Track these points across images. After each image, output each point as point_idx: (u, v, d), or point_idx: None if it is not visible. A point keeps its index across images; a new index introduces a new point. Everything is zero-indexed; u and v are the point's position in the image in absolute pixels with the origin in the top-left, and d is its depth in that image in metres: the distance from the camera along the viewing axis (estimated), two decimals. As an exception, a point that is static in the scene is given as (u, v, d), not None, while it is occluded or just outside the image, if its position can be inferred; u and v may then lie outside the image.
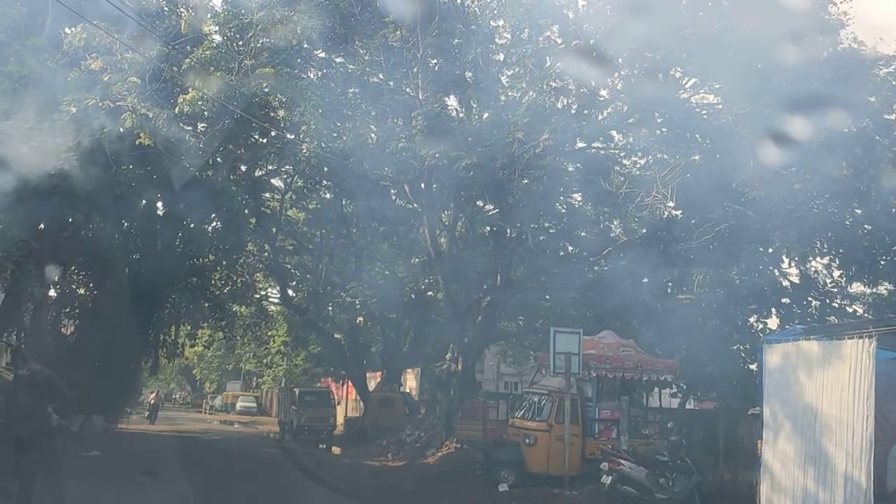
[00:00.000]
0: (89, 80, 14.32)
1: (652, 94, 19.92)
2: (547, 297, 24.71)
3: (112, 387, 23.85)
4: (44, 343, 23.01)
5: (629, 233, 23.35)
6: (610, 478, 13.79)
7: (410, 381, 38.32)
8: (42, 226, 18.34)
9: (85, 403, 22.92)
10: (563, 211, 20.99)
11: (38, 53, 14.51)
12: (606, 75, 21.73)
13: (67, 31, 15.76)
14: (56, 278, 23.12)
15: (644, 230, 21.99)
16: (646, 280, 21.52)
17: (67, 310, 25.73)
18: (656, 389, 19.14)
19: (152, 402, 36.93)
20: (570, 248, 23.58)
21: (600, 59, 20.52)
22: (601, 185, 20.29)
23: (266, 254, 31.33)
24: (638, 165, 22.89)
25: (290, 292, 32.01)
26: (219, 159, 19.38)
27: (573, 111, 21.71)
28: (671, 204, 17.14)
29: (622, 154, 23.44)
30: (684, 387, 22.28)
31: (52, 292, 23.46)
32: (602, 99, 22.36)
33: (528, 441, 16.01)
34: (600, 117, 22.37)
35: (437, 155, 15.27)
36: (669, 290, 21.98)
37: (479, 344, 22.74)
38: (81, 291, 26.72)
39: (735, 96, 17.29)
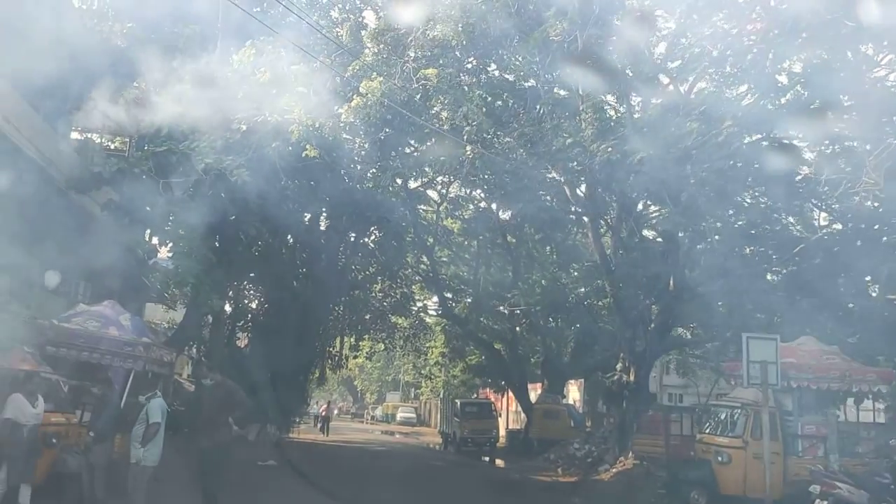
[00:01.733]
0: (259, 94, 14.59)
1: (838, 75, 17.96)
2: (720, 302, 22.84)
3: (284, 397, 24.52)
4: (221, 355, 24.04)
5: (810, 229, 21.22)
6: (824, 503, 12.08)
7: (573, 393, 37.05)
8: (217, 242, 19.08)
9: (259, 413, 23.75)
10: (748, 205, 19.16)
11: (211, 71, 14.98)
12: (784, 57, 19.94)
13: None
14: (231, 293, 24.22)
15: (838, 225, 19.84)
16: (842, 279, 19.29)
17: (241, 323, 26.83)
18: (849, 402, 16.90)
19: (324, 413, 37.38)
20: (749, 248, 21.59)
21: (776, 41, 18.78)
22: (784, 178, 18.60)
23: (423, 265, 31.43)
24: (825, 154, 20.70)
25: (450, 303, 31.79)
26: (378, 170, 19.37)
27: (750, 99, 20.03)
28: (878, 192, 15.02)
29: (806, 143, 21.24)
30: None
31: (227, 307, 24.51)
32: (781, 84, 20.50)
33: (720, 459, 14.48)
34: (778, 104, 20.52)
35: (609, 149, 14.24)
36: (870, 290, 19.55)
37: (653, 353, 21.25)
38: (253, 305, 27.87)
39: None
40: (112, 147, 22.91)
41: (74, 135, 20.21)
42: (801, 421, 14.68)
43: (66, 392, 11.24)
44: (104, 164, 16.82)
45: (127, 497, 9.51)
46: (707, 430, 15.51)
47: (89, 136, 20.86)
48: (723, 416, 15.31)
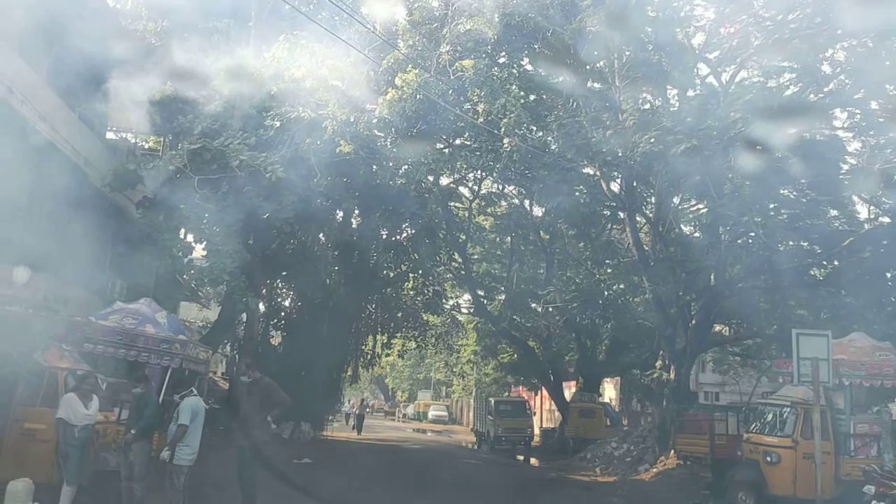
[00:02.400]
0: (293, 89, 14.45)
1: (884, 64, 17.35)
2: (762, 298, 22.26)
3: (317, 395, 24.43)
4: (255, 353, 24.03)
5: (854, 223, 20.57)
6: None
7: (609, 391, 36.54)
8: (251, 240, 19.01)
9: (294, 412, 23.69)
10: (793, 198, 18.58)
11: (244, 67, 14.89)
12: (827, 46, 19.33)
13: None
14: (264, 291, 24.19)
15: (886, 218, 19.20)
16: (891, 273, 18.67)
17: (275, 321, 26.81)
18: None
19: (356, 411, 37.12)
20: (793, 242, 20.99)
21: (818, 31, 18.20)
22: (826, 170, 18.02)
23: (455, 262, 31.17)
24: (869, 146, 20.05)
25: (483, 300, 31.49)
26: (411, 166, 19.15)
27: (793, 89, 19.47)
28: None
29: (850, 134, 20.59)
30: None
31: (261, 305, 24.48)
32: (824, 74, 19.88)
33: (769, 459, 14.01)
34: (821, 94, 19.91)
35: (651, 140, 13.84)
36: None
37: (694, 350, 20.73)
38: (286, 303, 27.84)
39: None
40: (147, 146, 23.03)
41: (110, 134, 20.31)
42: (853, 419, 14.15)
43: (104, 389, 11.18)
44: (139, 162, 16.84)
45: (165, 495, 9.40)
46: (755, 430, 15.03)
47: (124, 134, 20.97)
48: (771, 415, 14.81)
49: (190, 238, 17.81)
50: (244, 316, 22.66)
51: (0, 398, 9.85)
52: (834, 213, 20.91)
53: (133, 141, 21.06)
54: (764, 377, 22.84)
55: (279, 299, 27.75)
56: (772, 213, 19.37)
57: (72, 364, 10.61)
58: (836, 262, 20.13)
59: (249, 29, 16.61)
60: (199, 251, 19.52)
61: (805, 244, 20.07)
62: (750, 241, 19.62)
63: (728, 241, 19.96)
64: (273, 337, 27.55)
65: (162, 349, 12.57)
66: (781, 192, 18.30)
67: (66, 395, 9.42)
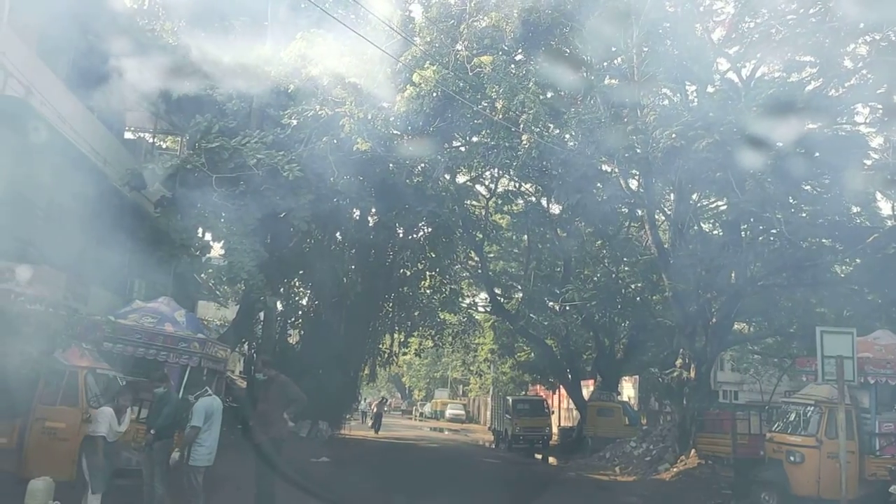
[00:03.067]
0: (310, 88, 14.42)
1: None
2: (784, 295, 21.99)
3: (335, 394, 24.44)
4: (273, 352, 24.04)
5: (876, 219, 20.25)
6: (907, 505, 11.39)
7: (627, 390, 36.30)
8: (269, 239, 19.02)
9: (311, 410, 23.69)
10: (815, 193, 18.32)
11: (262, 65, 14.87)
12: (849, 41, 19.04)
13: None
14: (282, 289, 24.20)
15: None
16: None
17: (292, 320, 26.84)
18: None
19: (375, 409, 36.69)
20: (815, 239, 20.70)
21: (840, 25, 17.92)
22: (852, 166, 17.74)
23: (472, 261, 31.07)
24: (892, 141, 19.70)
25: (500, 299, 31.39)
26: (428, 164, 19.07)
27: (814, 83, 19.20)
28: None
29: (873, 130, 20.28)
30: None
31: (278, 303, 24.50)
32: (846, 69, 19.57)
33: (792, 459, 13.81)
34: (843, 89, 19.62)
35: (673, 136, 13.67)
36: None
37: (714, 348, 20.50)
38: (304, 302, 27.87)
39: None
40: (164, 145, 23.13)
41: (127, 133, 20.41)
42: (878, 418, 13.92)
43: (124, 388, 11.19)
44: (157, 161, 16.89)
45: (184, 495, 9.38)
46: (778, 429, 14.82)
47: (142, 134, 21.06)
48: (795, 414, 14.60)
49: (208, 237, 17.83)
50: (262, 315, 22.69)
51: (21, 397, 9.88)
52: (856, 209, 20.63)
53: (151, 140, 21.14)
54: (785, 376, 22.55)
55: (297, 298, 27.77)
56: (793, 210, 19.16)
57: (92, 363, 10.64)
58: (858, 260, 19.85)
59: (266, 27, 16.60)
60: (217, 250, 19.57)
61: (827, 241, 19.80)
62: (772, 237, 19.39)
63: (749, 238, 19.76)
64: (291, 336, 27.60)
65: (181, 348, 12.61)
66: (804, 187, 18.03)
67: (103, 410, 9.40)
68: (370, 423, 34.39)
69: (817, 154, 18.54)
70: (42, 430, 9.89)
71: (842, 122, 20.25)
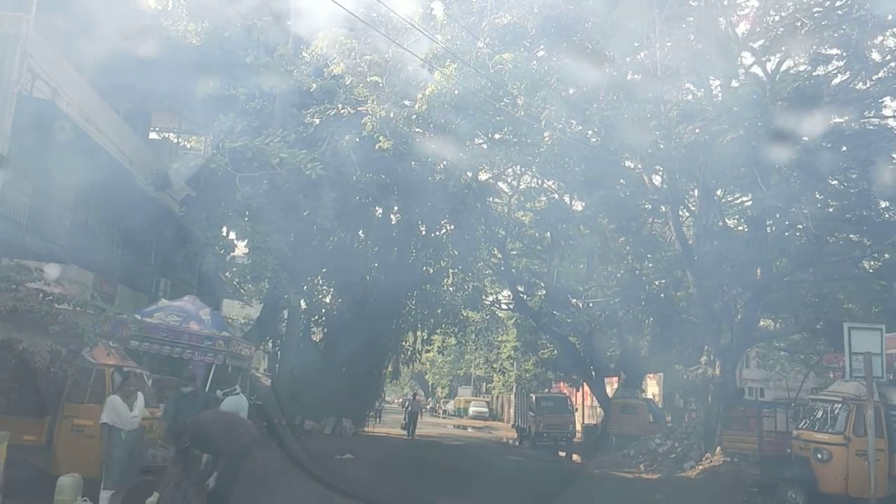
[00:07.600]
0: (332, 86, 14.48)
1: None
2: (810, 291, 21.68)
3: (358, 391, 24.53)
4: (297, 350, 24.22)
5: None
6: (939, 504, 11.18)
7: (651, 387, 36.02)
8: (292, 237, 19.15)
9: (335, 407, 23.86)
10: (842, 188, 18.04)
11: (285, 65, 14.95)
12: (877, 32, 18.71)
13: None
14: (305, 287, 24.36)
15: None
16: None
17: (316, 318, 26.99)
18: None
19: (409, 408, 31.27)
20: (842, 234, 20.38)
21: (866, 18, 17.61)
22: (877, 159, 17.45)
23: (495, 258, 31.02)
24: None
25: (523, 296, 31.30)
26: (449, 162, 19.07)
27: (841, 77, 18.93)
28: None
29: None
30: None
31: (302, 302, 24.67)
32: (874, 62, 19.23)
33: (819, 456, 13.62)
34: (870, 82, 19.30)
35: (696, 130, 13.54)
36: None
37: (740, 345, 20.28)
38: (327, 300, 28.01)
39: None
40: (188, 145, 23.36)
41: (152, 134, 20.65)
42: (908, 416, 13.67)
43: (150, 386, 11.33)
44: (181, 161, 17.08)
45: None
46: (805, 426, 14.63)
47: (166, 134, 21.30)
48: (822, 412, 14.38)
49: (232, 235, 18.00)
50: (286, 312, 22.86)
51: (50, 395, 10.03)
52: (884, 203, 20.30)
53: (175, 140, 21.37)
54: (812, 372, 22.24)
55: (320, 296, 27.92)
56: (820, 205, 18.89)
57: (118, 361, 10.77)
58: (887, 255, 19.53)
59: (288, 26, 16.69)
60: (241, 249, 19.74)
61: (855, 236, 19.49)
62: (798, 233, 19.12)
63: (775, 234, 19.50)
64: (314, 333, 27.76)
65: (205, 346, 12.72)
66: (830, 182, 17.77)
67: (110, 398, 9.35)
68: (401, 425, 31.76)
69: (844, 148, 18.33)
70: (70, 428, 10.02)
71: (869, 115, 19.94)
